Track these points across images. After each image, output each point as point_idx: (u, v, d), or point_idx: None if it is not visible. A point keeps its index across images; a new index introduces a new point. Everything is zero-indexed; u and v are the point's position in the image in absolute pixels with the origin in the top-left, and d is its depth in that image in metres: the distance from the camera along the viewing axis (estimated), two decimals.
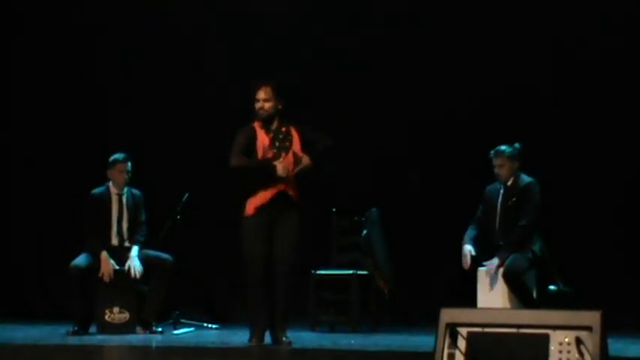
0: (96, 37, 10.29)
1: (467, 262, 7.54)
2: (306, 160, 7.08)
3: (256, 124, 7.12)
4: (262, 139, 7.07)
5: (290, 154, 7.05)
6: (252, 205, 7.03)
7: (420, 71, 9.63)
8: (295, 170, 7.06)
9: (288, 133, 7.10)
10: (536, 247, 7.49)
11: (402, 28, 9.73)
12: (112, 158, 8.33)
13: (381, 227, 8.73)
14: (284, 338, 7.03)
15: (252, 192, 7.04)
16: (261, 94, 7.10)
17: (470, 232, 7.70)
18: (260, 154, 7.05)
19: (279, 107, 7.12)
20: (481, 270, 7.53)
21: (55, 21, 10.38)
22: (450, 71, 9.57)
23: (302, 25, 9.89)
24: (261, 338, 7.06)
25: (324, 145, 7.21)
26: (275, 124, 7.12)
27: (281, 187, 7.02)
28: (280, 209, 7.04)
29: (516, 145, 7.68)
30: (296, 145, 7.10)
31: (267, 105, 7.08)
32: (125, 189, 8.37)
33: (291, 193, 7.09)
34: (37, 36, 10.39)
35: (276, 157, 7.02)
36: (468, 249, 7.58)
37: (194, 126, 9.92)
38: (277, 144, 7.04)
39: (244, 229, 7.07)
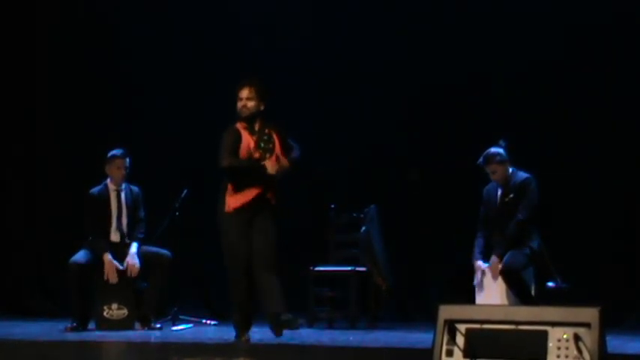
0: (94, 36, 10.29)
1: (479, 282, 7.51)
2: (284, 161, 7.12)
3: (240, 125, 7.14)
4: (247, 140, 7.09)
5: (274, 156, 7.09)
6: (234, 202, 7.04)
7: (419, 68, 9.64)
8: (278, 172, 7.07)
9: (271, 136, 7.12)
10: (535, 244, 7.48)
11: (402, 28, 9.74)
12: (110, 154, 8.33)
13: (379, 224, 8.72)
14: (283, 316, 6.96)
15: (238, 191, 7.04)
16: (245, 93, 7.11)
17: (479, 243, 7.66)
18: (244, 155, 7.07)
19: (262, 108, 7.13)
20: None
21: (54, 19, 10.38)
22: (448, 67, 9.58)
23: (304, 25, 9.89)
24: (248, 337, 7.08)
25: (298, 156, 7.22)
26: (257, 126, 7.14)
27: (263, 189, 7.03)
28: (258, 209, 7.05)
29: (501, 142, 7.63)
30: (277, 147, 7.13)
31: (250, 104, 7.09)
32: (124, 185, 8.37)
33: (269, 195, 7.10)
34: (35, 35, 10.38)
35: (262, 158, 7.05)
36: (479, 265, 7.55)
37: (193, 122, 9.92)
38: (262, 145, 7.07)
39: (226, 228, 7.07)
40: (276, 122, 7.19)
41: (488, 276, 7.44)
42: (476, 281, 7.50)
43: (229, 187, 7.08)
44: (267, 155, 7.05)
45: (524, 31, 9.39)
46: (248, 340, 7.06)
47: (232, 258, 7.07)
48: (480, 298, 7.41)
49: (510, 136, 7.78)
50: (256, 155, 7.06)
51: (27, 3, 10.37)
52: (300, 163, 7.29)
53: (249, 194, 7.03)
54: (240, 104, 7.12)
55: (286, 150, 7.17)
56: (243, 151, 7.07)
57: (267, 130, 7.11)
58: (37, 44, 10.33)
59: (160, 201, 8.83)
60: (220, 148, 7.08)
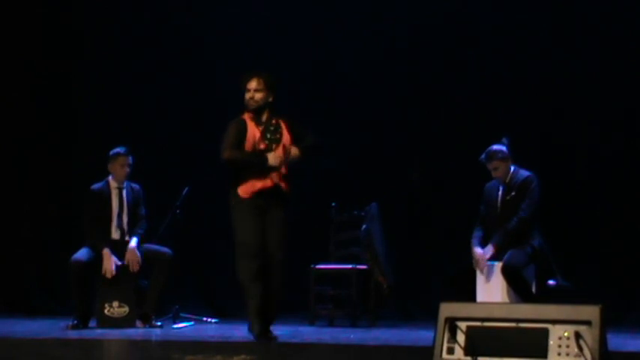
0: (94, 34, 10.29)
1: (481, 264, 7.50)
2: (294, 151, 7.07)
3: (247, 116, 7.09)
4: (253, 131, 7.04)
5: (281, 147, 7.03)
6: (245, 190, 6.99)
7: (419, 66, 9.65)
8: (286, 162, 7.04)
9: (279, 126, 7.06)
10: (536, 242, 7.49)
11: (403, 28, 9.75)
12: (113, 151, 8.34)
13: (380, 222, 8.73)
14: (269, 333, 6.97)
15: (243, 181, 7.01)
16: (253, 84, 7.04)
17: (476, 234, 7.66)
18: (250, 146, 7.02)
19: (270, 99, 7.07)
20: None
21: (53, 18, 10.39)
22: (449, 66, 9.60)
23: (304, 25, 9.89)
24: (271, 333, 6.98)
25: (314, 144, 7.17)
26: (265, 117, 7.07)
27: (274, 179, 7.00)
28: (271, 202, 7.00)
29: (504, 140, 7.64)
30: (286, 137, 7.08)
31: (258, 96, 7.03)
32: (125, 183, 8.38)
33: (283, 187, 7.06)
34: (34, 34, 10.38)
35: (268, 149, 6.99)
36: (479, 252, 7.54)
37: (195, 120, 9.93)
38: (269, 136, 7.01)
39: (239, 216, 7.01)
40: (286, 113, 7.16)
41: (489, 274, 7.44)
42: (480, 268, 7.48)
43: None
44: (274, 146, 7.00)
45: (524, 31, 9.40)
46: (274, 338, 6.93)
47: (243, 245, 6.97)
48: (481, 296, 7.41)
49: (512, 134, 7.79)
50: (262, 146, 7.01)
51: (26, 3, 10.37)
52: (321, 149, 7.26)
53: (258, 185, 6.99)
54: (247, 96, 7.06)
55: (298, 139, 7.10)
56: (248, 142, 7.02)
57: (274, 121, 7.06)
58: (36, 43, 10.32)
59: (162, 199, 8.84)
60: (223, 138, 7.04)
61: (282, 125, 7.09)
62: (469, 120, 9.36)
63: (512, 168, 7.65)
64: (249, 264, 6.93)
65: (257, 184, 6.98)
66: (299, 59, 9.78)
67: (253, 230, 6.97)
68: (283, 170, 7.05)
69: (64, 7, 10.37)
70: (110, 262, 8.10)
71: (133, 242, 8.22)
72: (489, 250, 7.45)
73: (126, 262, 8.15)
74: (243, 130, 7.04)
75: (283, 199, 7.08)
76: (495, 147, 7.60)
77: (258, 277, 6.92)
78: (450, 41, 9.60)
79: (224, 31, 10.02)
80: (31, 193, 10.25)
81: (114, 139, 8.61)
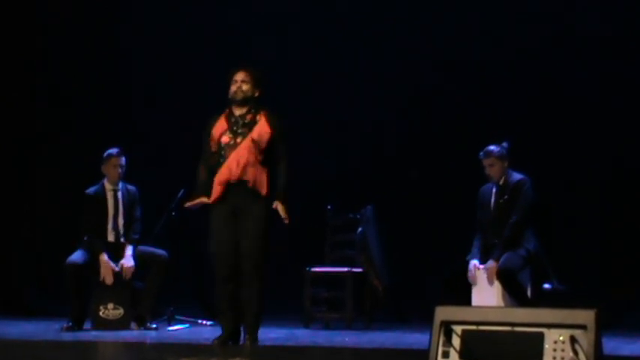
0: (92, 35, 10.28)
1: (473, 278, 7.48)
2: (281, 209, 6.84)
3: (224, 114, 6.92)
4: (220, 126, 6.87)
5: (248, 140, 6.79)
6: (213, 194, 6.89)
7: (417, 68, 9.63)
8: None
9: (253, 120, 6.87)
10: (531, 245, 7.48)
11: (401, 28, 9.73)
12: (106, 153, 8.33)
13: (376, 225, 8.72)
14: (252, 337, 6.87)
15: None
16: (240, 76, 6.88)
17: (476, 244, 7.67)
18: (214, 142, 6.85)
19: (256, 94, 6.91)
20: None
21: (53, 18, 10.37)
22: (447, 68, 9.58)
23: (304, 25, 9.88)
24: (227, 338, 6.89)
25: (285, 171, 6.95)
26: (244, 110, 6.88)
27: (235, 176, 6.78)
28: (244, 201, 6.81)
29: (504, 144, 7.68)
30: (258, 131, 6.82)
31: (245, 87, 6.86)
32: (120, 184, 8.35)
33: (250, 182, 6.79)
34: (34, 35, 10.37)
35: (231, 142, 6.81)
36: (473, 264, 7.52)
37: (190, 121, 9.89)
38: (235, 129, 6.83)
39: (210, 223, 6.97)
40: (273, 111, 6.99)
41: (485, 277, 7.43)
42: (470, 277, 7.48)
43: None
44: (238, 139, 6.80)
45: (524, 31, 9.38)
46: (225, 343, 6.85)
47: (214, 255, 6.94)
48: (477, 300, 7.40)
49: (512, 134, 7.81)
50: (225, 140, 6.84)
51: (26, 3, 10.35)
52: (296, 162, 7.19)
53: (216, 188, 6.86)
54: (234, 87, 6.88)
55: (279, 138, 6.88)
56: (213, 138, 6.87)
57: (249, 116, 6.88)
58: (36, 43, 10.32)
59: (157, 201, 8.82)
60: (203, 146, 7.01)
61: (261, 119, 6.87)
62: (469, 120, 9.34)
63: (507, 171, 7.65)
64: (219, 276, 6.90)
65: (217, 188, 6.86)
66: (299, 59, 9.77)
67: (223, 241, 6.87)
68: (256, 168, 6.80)
69: (64, 7, 10.35)
70: (109, 270, 8.07)
71: (129, 250, 8.21)
72: (491, 264, 7.42)
73: (119, 269, 8.12)
74: (210, 128, 6.91)
75: (257, 199, 6.83)
76: (494, 146, 7.67)
77: (229, 287, 6.85)
78: (450, 41, 9.58)
79: (224, 31, 10.00)
80: (30, 193, 10.24)
81: (113, 140, 8.59)
